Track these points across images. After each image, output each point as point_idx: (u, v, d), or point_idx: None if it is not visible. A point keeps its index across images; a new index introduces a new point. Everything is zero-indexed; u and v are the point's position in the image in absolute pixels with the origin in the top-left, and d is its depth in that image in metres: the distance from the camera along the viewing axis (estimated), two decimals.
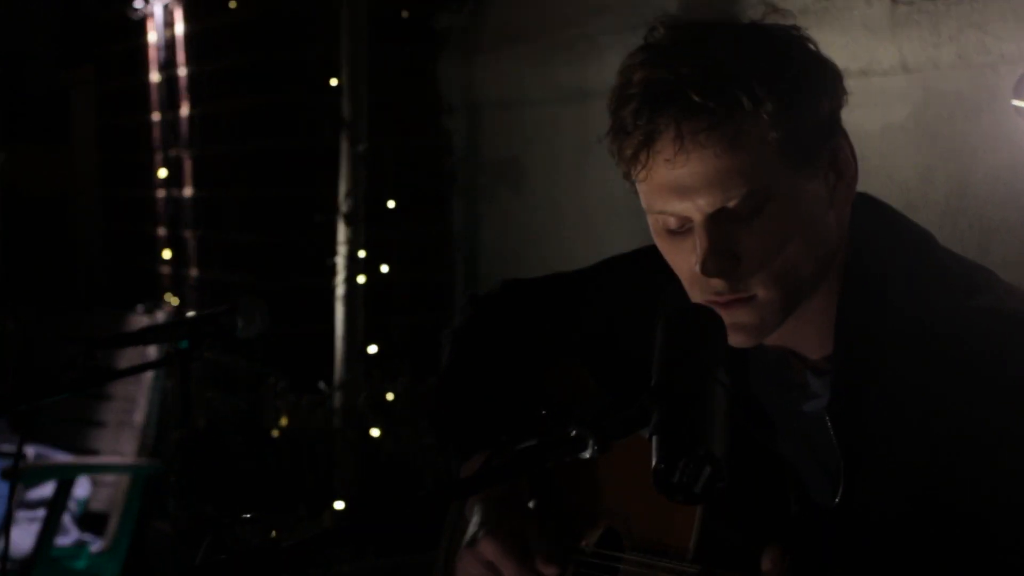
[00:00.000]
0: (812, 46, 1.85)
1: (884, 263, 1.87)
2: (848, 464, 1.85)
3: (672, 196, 1.81)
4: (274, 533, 4.14)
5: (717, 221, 1.80)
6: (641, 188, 1.85)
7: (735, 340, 1.86)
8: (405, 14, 4.95)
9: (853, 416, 1.84)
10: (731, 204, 1.78)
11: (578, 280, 2.26)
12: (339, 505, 4.33)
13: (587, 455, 1.66)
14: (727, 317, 1.83)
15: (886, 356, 1.83)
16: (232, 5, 5.07)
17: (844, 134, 1.87)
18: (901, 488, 1.82)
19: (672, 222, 1.84)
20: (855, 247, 1.89)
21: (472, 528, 2.06)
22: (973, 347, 1.79)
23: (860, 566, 1.86)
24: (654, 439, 1.70)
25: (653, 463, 1.68)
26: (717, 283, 1.81)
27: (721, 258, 1.80)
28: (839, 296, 1.87)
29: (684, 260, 1.85)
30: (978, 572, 1.78)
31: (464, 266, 5.06)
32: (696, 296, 1.86)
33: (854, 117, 1.91)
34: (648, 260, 2.15)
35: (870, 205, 1.94)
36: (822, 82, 1.82)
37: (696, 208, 1.80)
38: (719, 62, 1.77)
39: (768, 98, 1.76)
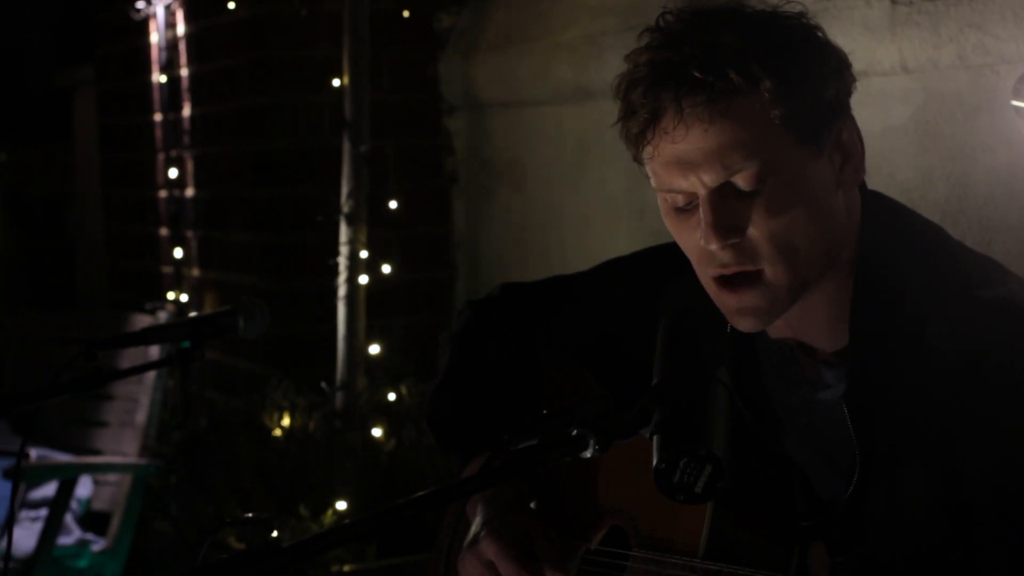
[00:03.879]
0: (820, 33, 1.88)
1: (897, 256, 1.89)
2: (863, 454, 1.85)
3: (676, 172, 1.83)
4: (275, 533, 4.14)
5: (721, 195, 1.82)
6: (650, 168, 1.88)
7: (744, 325, 1.87)
8: (406, 14, 4.95)
9: (870, 405, 1.85)
10: (734, 179, 1.81)
11: (577, 283, 2.27)
12: (340, 505, 4.34)
13: (588, 455, 1.67)
14: (736, 300, 1.85)
15: (900, 348, 1.84)
16: (231, 5, 5.07)
17: (851, 118, 1.89)
18: (913, 481, 1.82)
19: (680, 199, 1.86)
20: (867, 241, 1.90)
21: (474, 528, 2.06)
22: (986, 340, 1.80)
23: (870, 562, 1.86)
24: (655, 439, 1.71)
25: (654, 463, 1.69)
26: (723, 256, 1.83)
27: (725, 231, 1.82)
28: (853, 288, 1.89)
29: (691, 237, 1.87)
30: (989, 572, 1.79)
31: (465, 266, 5.06)
32: (704, 273, 1.88)
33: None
34: (648, 262, 2.17)
35: (881, 201, 1.96)
36: (826, 65, 1.85)
37: (700, 183, 1.82)
38: (721, 42, 1.80)
39: (766, 75, 1.79)
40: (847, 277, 1.89)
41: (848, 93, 1.89)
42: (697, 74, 1.78)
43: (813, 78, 1.83)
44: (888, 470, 1.84)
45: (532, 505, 2.11)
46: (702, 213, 1.83)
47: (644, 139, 1.84)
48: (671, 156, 1.83)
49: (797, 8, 1.88)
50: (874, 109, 3.16)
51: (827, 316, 1.90)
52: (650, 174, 1.89)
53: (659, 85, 1.81)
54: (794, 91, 1.81)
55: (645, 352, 1.92)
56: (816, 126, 1.83)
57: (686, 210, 1.86)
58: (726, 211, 1.82)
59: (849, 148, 1.88)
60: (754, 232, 1.82)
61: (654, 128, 1.83)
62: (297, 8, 4.83)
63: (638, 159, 1.89)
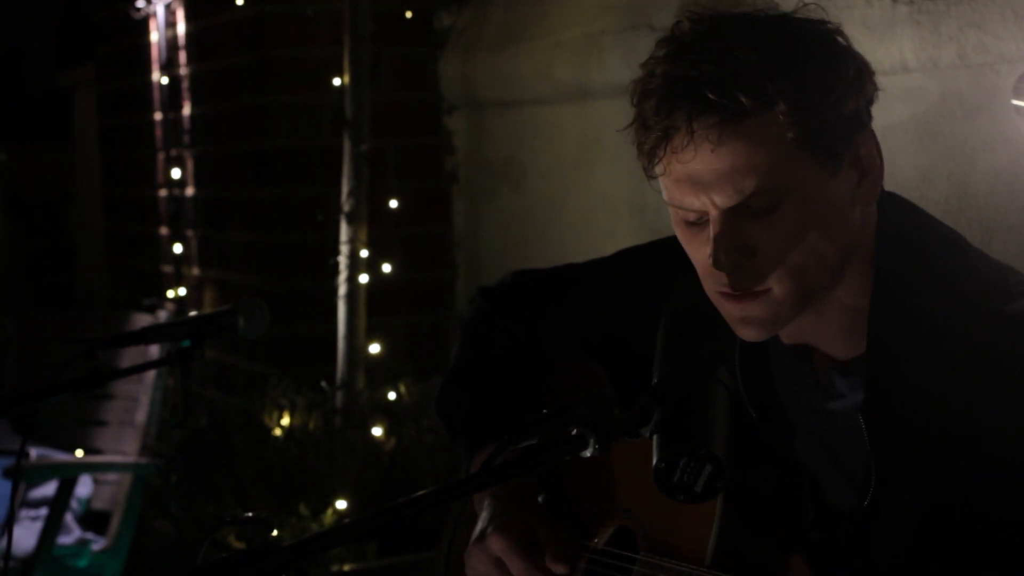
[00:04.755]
0: (842, 40, 1.84)
1: (916, 265, 1.86)
2: (879, 467, 1.83)
3: (688, 191, 1.81)
4: (275, 532, 4.14)
5: (733, 216, 1.79)
6: (662, 181, 1.85)
7: (747, 334, 1.85)
8: (409, 14, 4.95)
9: (887, 418, 1.82)
10: (746, 201, 1.78)
11: (587, 272, 2.25)
12: (340, 504, 4.34)
13: (588, 454, 1.66)
14: (739, 310, 1.83)
15: (919, 360, 1.81)
16: (238, 1, 5.06)
17: (869, 131, 1.85)
18: (929, 496, 1.80)
19: (691, 215, 1.84)
20: (885, 248, 1.87)
21: (481, 523, 2.06)
22: (1007, 354, 1.78)
23: (881, 571, 1.85)
24: (655, 438, 1.70)
25: (654, 462, 1.69)
26: (731, 276, 1.81)
27: (734, 252, 1.79)
28: (871, 300, 1.85)
29: (700, 251, 1.84)
30: None
31: (465, 266, 5.06)
32: (710, 287, 1.86)
33: None
34: (658, 254, 2.15)
35: (898, 207, 1.92)
36: (846, 80, 1.81)
37: (711, 203, 1.79)
38: (737, 60, 1.76)
39: (781, 98, 1.75)
40: (862, 287, 1.86)
41: (869, 103, 1.84)
42: (711, 95, 1.74)
43: (831, 96, 1.79)
44: (904, 484, 1.82)
45: (540, 499, 2.10)
46: (712, 233, 1.80)
47: (656, 156, 1.81)
48: (683, 175, 1.80)
49: (818, 14, 1.84)
50: (874, 108, 3.15)
51: (840, 324, 1.88)
52: (662, 187, 1.86)
53: (672, 103, 1.77)
54: (811, 111, 1.77)
55: (649, 346, 1.91)
56: (832, 145, 1.80)
57: (697, 224, 1.84)
58: (736, 231, 1.79)
59: (867, 163, 1.84)
60: (764, 253, 1.80)
61: (666, 146, 1.79)
62: (303, 8, 4.83)
63: (649, 173, 1.86)
